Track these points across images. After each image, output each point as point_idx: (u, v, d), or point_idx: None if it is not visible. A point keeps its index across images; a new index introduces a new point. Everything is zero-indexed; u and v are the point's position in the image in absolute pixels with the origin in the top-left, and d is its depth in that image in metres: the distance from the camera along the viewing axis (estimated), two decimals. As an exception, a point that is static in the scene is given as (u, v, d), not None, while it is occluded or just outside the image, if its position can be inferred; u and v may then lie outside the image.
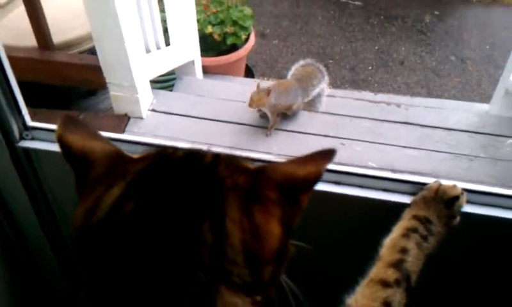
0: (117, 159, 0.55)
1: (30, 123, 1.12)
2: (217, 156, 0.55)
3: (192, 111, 2.49)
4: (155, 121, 2.40)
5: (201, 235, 0.47)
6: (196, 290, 0.45)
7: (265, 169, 0.55)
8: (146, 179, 0.51)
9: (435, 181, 0.98)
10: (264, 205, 0.52)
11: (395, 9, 4.22)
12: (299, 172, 0.55)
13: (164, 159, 0.54)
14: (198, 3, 2.94)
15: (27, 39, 2.40)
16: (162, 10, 2.56)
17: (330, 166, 1.04)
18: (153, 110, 2.47)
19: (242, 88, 2.73)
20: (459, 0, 4.36)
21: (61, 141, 0.56)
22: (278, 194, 0.53)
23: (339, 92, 2.99)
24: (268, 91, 2.29)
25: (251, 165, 0.56)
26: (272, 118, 2.40)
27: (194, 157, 0.54)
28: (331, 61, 3.70)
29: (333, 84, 3.46)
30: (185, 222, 0.47)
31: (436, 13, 4.19)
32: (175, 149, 0.56)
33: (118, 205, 0.49)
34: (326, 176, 1.03)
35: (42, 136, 1.13)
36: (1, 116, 1.08)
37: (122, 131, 2.34)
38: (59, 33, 2.48)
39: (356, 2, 4.25)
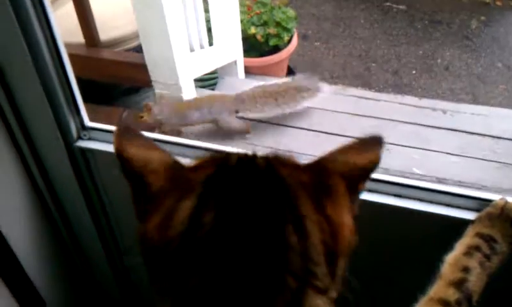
0: (176, 169, 0.55)
1: (88, 123, 1.12)
2: (267, 157, 0.54)
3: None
4: (197, 120, 2.40)
5: (286, 238, 0.46)
6: (287, 296, 0.45)
7: (323, 162, 0.54)
8: (216, 189, 0.50)
9: (501, 198, 0.94)
10: (333, 198, 0.52)
11: (439, 14, 4.12)
12: (359, 160, 0.55)
13: (222, 166, 0.53)
14: (241, 4, 2.94)
15: (74, 36, 2.44)
16: (206, 10, 2.56)
17: (390, 178, 1.02)
18: (196, 108, 2.47)
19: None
20: (507, 5, 4.24)
21: (120, 154, 0.56)
22: (343, 184, 0.53)
23: (383, 96, 2.93)
24: (149, 107, 2.24)
25: (299, 162, 0.55)
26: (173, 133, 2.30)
27: (247, 160, 0.54)
28: (373, 64, 3.65)
29: (376, 88, 3.42)
30: (269, 228, 0.47)
31: (483, 18, 4.08)
32: (227, 154, 0.55)
33: (195, 217, 0.48)
34: (385, 187, 1.01)
35: (100, 137, 1.13)
36: (61, 116, 1.08)
37: (166, 128, 2.35)
38: (105, 30, 2.52)
39: (400, 6, 4.18)
